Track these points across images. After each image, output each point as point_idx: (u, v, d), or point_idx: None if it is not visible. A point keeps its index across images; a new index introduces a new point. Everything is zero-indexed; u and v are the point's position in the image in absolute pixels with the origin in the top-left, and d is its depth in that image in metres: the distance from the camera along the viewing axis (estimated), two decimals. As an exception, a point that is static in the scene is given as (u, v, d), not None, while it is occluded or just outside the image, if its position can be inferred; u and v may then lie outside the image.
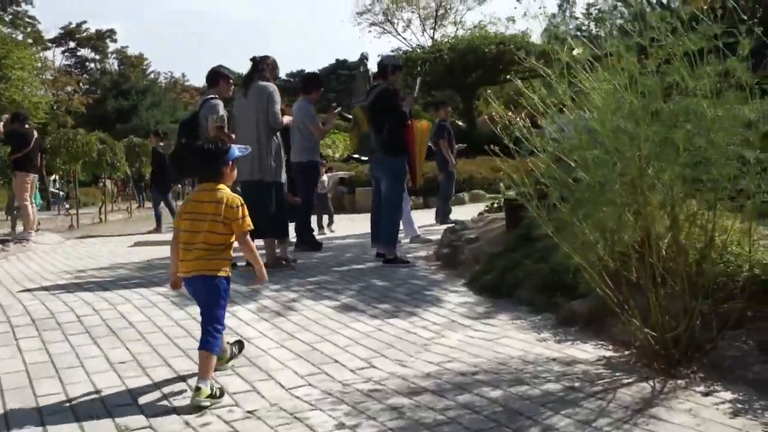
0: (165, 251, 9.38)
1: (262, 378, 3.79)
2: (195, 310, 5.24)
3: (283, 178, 7.05)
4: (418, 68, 26.61)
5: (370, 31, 53.99)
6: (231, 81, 7.26)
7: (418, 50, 29.89)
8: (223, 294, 3.59)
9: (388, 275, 6.56)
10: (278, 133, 6.97)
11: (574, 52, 4.04)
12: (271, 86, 6.97)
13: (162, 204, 14.46)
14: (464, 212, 12.38)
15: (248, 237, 3.66)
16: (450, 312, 5.23)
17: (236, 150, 3.74)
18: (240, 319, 4.99)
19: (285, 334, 4.61)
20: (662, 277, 3.78)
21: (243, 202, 3.64)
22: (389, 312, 5.22)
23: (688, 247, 3.76)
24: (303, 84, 8.88)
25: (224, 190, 3.64)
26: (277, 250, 7.01)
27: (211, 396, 3.37)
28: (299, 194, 8.32)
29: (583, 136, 4.08)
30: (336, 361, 4.08)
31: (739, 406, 3.17)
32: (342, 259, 7.70)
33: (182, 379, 3.77)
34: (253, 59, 7.13)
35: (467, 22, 45.78)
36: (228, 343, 4.01)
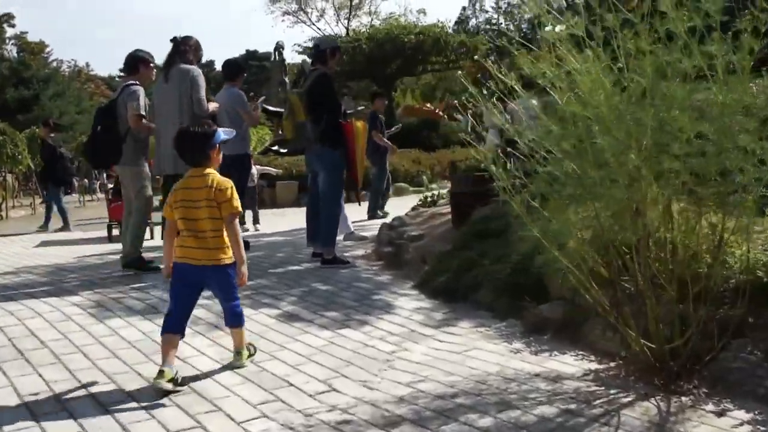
0: (76, 251, 8.66)
1: (208, 409, 3.19)
2: (117, 322, 4.62)
3: None
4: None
5: (283, 20, 53.00)
6: (152, 66, 6.58)
7: (336, 39, 29.20)
8: (232, 277, 3.64)
9: (329, 278, 6.03)
10: None
11: (557, 29, 3.60)
12: (195, 69, 6.35)
13: (58, 199, 13.51)
14: (391, 206, 11.95)
15: (236, 222, 3.61)
16: (406, 320, 4.74)
17: (222, 133, 3.69)
18: (171, 333, 4.38)
19: (226, 352, 4.01)
20: (659, 281, 3.40)
21: (233, 184, 3.63)
22: (339, 321, 4.69)
23: (687, 247, 3.38)
24: (228, 71, 8.32)
25: (213, 174, 3.61)
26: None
27: (250, 355, 3.86)
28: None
29: (557, 123, 3.67)
30: (291, 384, 3.52)
31: (762, 429, 2.80)
32: (275, 260, 7.11)
33: (109, 412, 3.14)
34: (174, 40, 6.48)
35: (382, 13, 45.34)
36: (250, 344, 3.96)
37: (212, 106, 6.64)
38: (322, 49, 6.83)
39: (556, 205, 3.52)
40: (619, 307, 3.52)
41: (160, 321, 3.56)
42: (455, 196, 6.67)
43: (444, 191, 10.84)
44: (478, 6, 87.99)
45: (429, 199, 9.91)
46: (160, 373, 3.33)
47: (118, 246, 8.93)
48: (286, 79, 25.73)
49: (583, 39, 3.37)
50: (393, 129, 12.08)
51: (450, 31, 25.65)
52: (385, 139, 11.28)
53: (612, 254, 3.48)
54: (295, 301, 5.20)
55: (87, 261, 7.66)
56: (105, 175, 31.49)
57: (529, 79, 3.77)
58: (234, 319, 3.74)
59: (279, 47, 25.58)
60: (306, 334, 4.42)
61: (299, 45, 35.56)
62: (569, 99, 3.50)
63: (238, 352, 3.80)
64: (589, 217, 3.49)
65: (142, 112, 6.39)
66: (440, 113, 24.20)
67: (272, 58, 26.61)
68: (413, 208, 9.71)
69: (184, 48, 6.36)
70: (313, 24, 45.93)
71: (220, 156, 3.75)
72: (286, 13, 46.46)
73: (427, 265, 6.01)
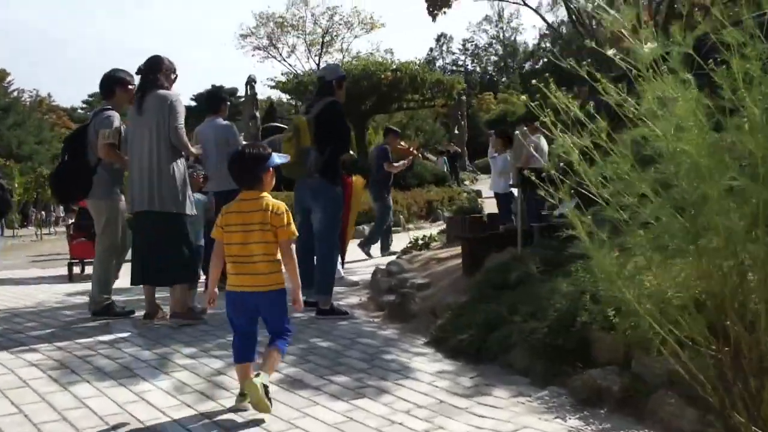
0: (32, 292, 7.74)
1: None
2: (85, 390, 3.82)
3: (190, 209, 5.67)
4: (311, 92, 25.44)
5: (253, 55, 52.50)
6: (131, 87, 5.85)
7: (310, 74, 28.59)
8: (285, 304, 3.63)
9: (328, 332, 5.29)
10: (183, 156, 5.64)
11: (646, 47, 2.98)
12: (173, 95, 5.59)
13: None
14: (372, 247, 11.23)
15: (292, 247, 3.60)
16: (431, 387, 4.02)
17: (276, 157, 3.65)
18: (151, 404, 3.60)
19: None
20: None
21: (287, 208, 3.58)
22: (352, 389, 3.95)
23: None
24: (210, 103, 7.74)
25: (267, 197, 3.57)
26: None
27: (266, 391, 3.43)
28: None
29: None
30: (312, 481, 2.78)
31: None
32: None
33: None
34: (143, 68, 5.67)
35: (353, 50, 44.96)
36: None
37: (196, 150, 5.93)
38: (327, 81, 6.17)
39: (652, 260, 2.86)
40: (728, 386, 2.85)
41: (138, 387, 2.87)
42: (468, 242, 6.00)
43: (434, 233, 10.19)
44: (444, 48, 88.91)
45: (421, 242, 9.24)
46: (241, 396, 3.51)
47: (81, 286, 8.13)
48: (257, 114, 25.06)
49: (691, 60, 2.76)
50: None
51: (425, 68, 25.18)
52: (396, 164, 10.58)
53: (722, 321, 2.82)
54: (296, 362, 4.45)
55: (46, 304, 6.79)
56: (62, 207, 30.35)
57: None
58: (280, 344, 3.62)
59: (251, 81, 24.95)
60: (315, 405, 3.67)
61: (272, 79, 34.82)
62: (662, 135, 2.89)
63: (258, 374, 3.49)
64: (691, 276, 2.84)
65: (113, 141, 5.64)
66: (414, 152, 23.68)
67: (245, 92, 25.93)
68: (404, 251, 9.03)
69: (155, 76, 5.59)
70: (284, 60, 45.47)
71: (274, 180, 3.70)
72: (256, 48, 45.89)
73: (439, 319, 5.30)
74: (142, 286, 5.66)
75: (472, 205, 10.04)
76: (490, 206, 10.68)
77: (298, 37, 45.08)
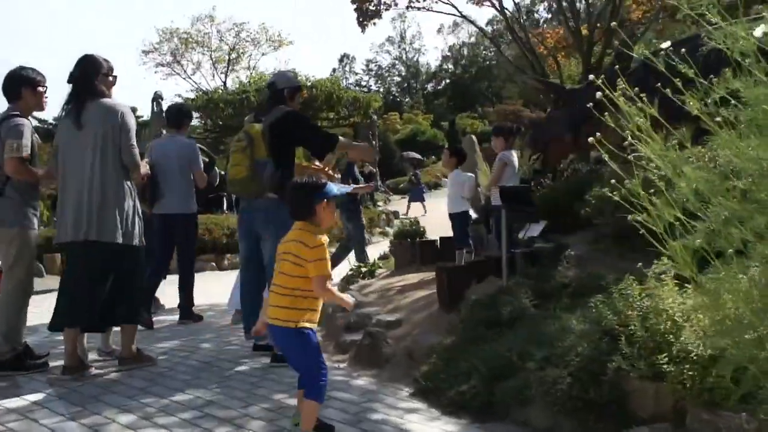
0: None
1: None
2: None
3: (138, 239, 4.77)
4: (222, 110, 24.35)
5: (156, 72, 50.79)
6: (41, 90, 4.88)
7: (221, 90, 27.46)
8: (306, 347, 3.28)
9: (292, 383, 4.43)
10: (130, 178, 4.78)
11: (759, 31, 2.34)
12: (122, 106, 4.75)
13: None
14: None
15: (328, 284, 3.27)
16: (442, 459, 3.25)
17: (335, 188, 3.41)
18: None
19: None
20: None
21: (324, 242, 3.31)
22: (349, 465, 3.14)
23: None
24: (175, 117, 7.14)
25: (310, 230, 3.33)
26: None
27: None
28: (181, 251, 7.16)
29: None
30: None
31: None
32: (204, 355, 5.40)
33: None
34: (75, 73, 4.75)
35: (260, 68, 43.79)
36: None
37: (144, 168, 5.03)
38: (278, 89, 5.33)
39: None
40: None
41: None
42: (446, 272, 5.24)
43: (378, 260, 9.41)
44: (347, 68, 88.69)
45: (364, 269, 8.43)
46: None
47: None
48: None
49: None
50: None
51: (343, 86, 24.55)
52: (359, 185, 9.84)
53: None
54: (265, 428, 3.59)
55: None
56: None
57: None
58: (312, 391, 3.27)
59: (158, 97, 23.51)
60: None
61: (179, 96, 33.24)
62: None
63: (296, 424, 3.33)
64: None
65: (25, 154, 4.68)
66: (330, 172, 22.91)
67: (151, 109, 24.53)
68: (347, 280, 8.22)
69: (90, 83, 4.68)
70: (189, 77, 43.91)
71: (333, 213, 3.46)
72: (159, 64, 44.15)
73: (420, 364, 4.54)
74: (62, 333, 4.68)
75: (414, 227, 9.26)
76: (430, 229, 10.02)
77: (203, 54, 43.69)
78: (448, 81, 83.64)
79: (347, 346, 5.35)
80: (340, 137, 5.53)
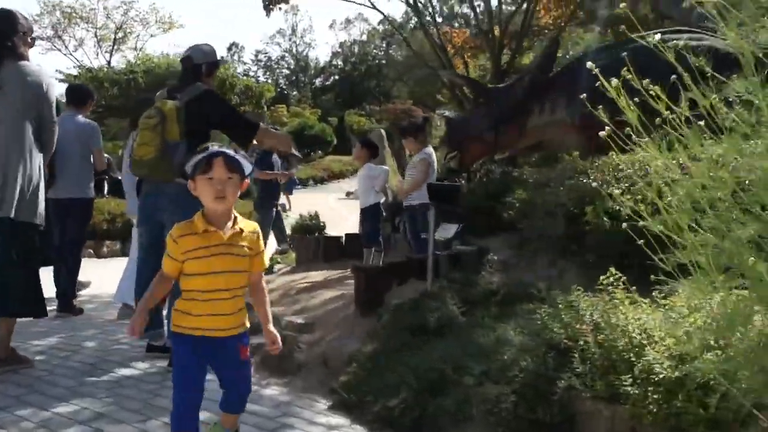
0: None
1: None
2: None
3: (40, 218, 4.17)
4: (107, 90, 22.95)
5: (34, 46, 47.95)
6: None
7: (106, 69, 25.91)
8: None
9: (209, 392, 3.92)
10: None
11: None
12: (45, 75, 4.30)
13: None
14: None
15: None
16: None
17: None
18: None
19: None
20: None
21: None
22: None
23: None
24: (76, 95, 6.60)
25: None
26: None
27: None
28: (70, 236, 6.44)
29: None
30: None
31: None
32: (87, 353, 4.76)
33: None
34: None
35: (148, 50, 41.81)
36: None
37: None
38: (195, 64, 4.76)
39: None
40: None
41: None
42: (364, 273, 4.82)
43: (276, 255, 8.90)
44: (236, 57, 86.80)
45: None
46: None
47: None
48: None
49: None
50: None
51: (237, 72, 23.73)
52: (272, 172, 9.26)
53: None
54: (167, 449, 3.08)
55: None
56: None
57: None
58: (242, 404, 2.97)
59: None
60: None
61: (60, 71, 31.06)
62: None
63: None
64: None
65: None
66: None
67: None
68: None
69: (9, 40, 4.10)
70: (71, 53, 41.43)
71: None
72: (39, 38, 41.45)
73: (337, 373, 4.12)
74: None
75: (314, 222, 8.82)
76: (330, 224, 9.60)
77: (87, 31, 41.32)
78: (336, 77, 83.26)
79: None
80: (261, 123, 5.03)
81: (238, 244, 2.74)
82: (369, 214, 6.88)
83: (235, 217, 2.79)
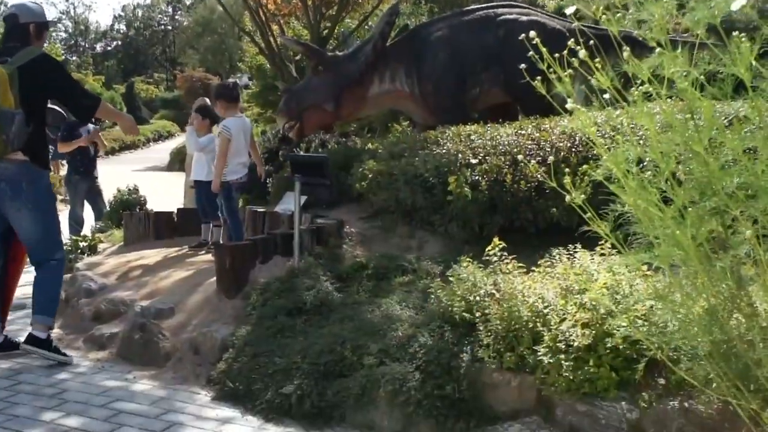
0: None
1: None
2: None
3: None
4: None
5: None
6: None
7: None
8: None
9: (59, 395, 3.50)
10: None
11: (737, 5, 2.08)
12: None
13: None
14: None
15: None
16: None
17: None
18: None
19: None
20: None
21: None
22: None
23: None
24: None
25: None
26: None
27: None
28: None
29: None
30: None
31: None
32: None
33: None
34: None
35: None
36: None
37: None
38: (21, 23, 4.18)
39: None
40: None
41: None
42: (228, 252, 4.52)
43: (95, 233, 8.17)
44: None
45: (83, 243, 7.25)
46: None
47: None
48: None
49: None
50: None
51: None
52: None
53: None
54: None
55: None
56: None
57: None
58: None
59: None
60: None
61: None
62: None
63: None
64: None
65: None
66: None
67: None
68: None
69: None
70: None
71: None
72: None
73: (216, 362, 3.86)
74: None
75: (134, 197, 8.25)
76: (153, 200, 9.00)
77: None
78: (119, 43, 78.86)
79: (105, 341, 4.43)
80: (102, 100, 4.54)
81: None
82: (205, 188, 6.50)
83: None
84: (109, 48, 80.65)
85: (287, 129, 6.81)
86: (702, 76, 2.15)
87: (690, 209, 2.17)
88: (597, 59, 2.23)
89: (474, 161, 4.95)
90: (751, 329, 2.26)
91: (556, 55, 2.25)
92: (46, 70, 4.07)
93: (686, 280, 2.33)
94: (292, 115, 6.69)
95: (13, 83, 3.91)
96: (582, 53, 2.16)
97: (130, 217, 7.08)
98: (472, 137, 5.38)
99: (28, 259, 4.36)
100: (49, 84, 4.09)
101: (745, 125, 2.21)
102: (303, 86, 6.97)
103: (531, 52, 2.23)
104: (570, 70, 2.29)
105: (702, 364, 2.31)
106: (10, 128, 3.87)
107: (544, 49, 2.25)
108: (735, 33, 2.09)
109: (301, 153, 5.78)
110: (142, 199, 8.48)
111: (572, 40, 2.24)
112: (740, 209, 2.14)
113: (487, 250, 3.67)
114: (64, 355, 4.11)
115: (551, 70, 2.26)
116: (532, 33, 2.24)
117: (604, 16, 2.20)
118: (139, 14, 79.98)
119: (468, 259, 3.65)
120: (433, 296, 3.64)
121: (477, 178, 4.77)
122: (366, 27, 13.18)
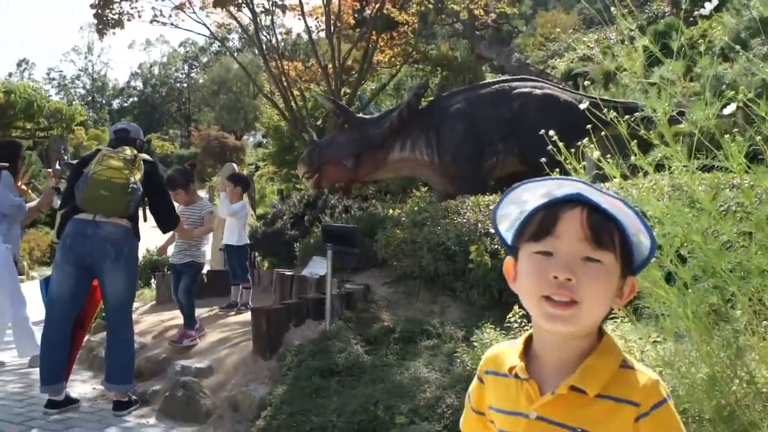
0: None
1: None
2: None
3: None
4: None
5: None
6: None
7: None
8: None
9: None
10: None
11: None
12: None
13: None
14: None
15: None
16: None
17: None
18: None
19: None
20: None
21: None
22: None
23: None
24: None
25: None
26: None
27: None
28: None
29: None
30: None
31: None
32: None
33: None
34: None
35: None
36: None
37: None
38: (132, 138, 4.95)
39: None
40: None
41: None
42: (265, 315, 4.84)
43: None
44: (26, 74, 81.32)
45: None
46: None
47: None
48: None
49: None
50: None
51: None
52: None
53: None
54: None
55: None
56: None
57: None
58: None
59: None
60: None
61: None
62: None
63: None
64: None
65: None
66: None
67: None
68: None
69: None
70: None
71: None
72: None
73: (255, 419, 4.14)
74: None
75: (162, 257, 8.62)
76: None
77: None
78: (135, 99, 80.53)
79: (148, 398, 4.73)
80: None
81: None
82: (237, 252, 6.87)
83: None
84: (125, 104, 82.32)
85: (306, 178, 7.18)
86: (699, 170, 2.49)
87: (690, 289, 2.48)
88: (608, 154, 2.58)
89: (493, 231, 5.28)
90: (748, 394, 2.55)
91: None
92: (156, 174, 4.82)
93: (691, 347, 2.63)
94: (313, 165, 7.04)
95: (141, 168, 4.46)
96: (596, 154, 2.50)
97: (162, 278, 7.43)
98: (491, 207, 5.72)
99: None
100: (154, 186, 4.74)
101: (738, 213, 2.54)
102: (328, 141, 7.34)
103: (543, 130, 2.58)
104: (584, 162, 2.64)
105: (705, 426, 2.59)
106: (134, 196, 4.37)
107: (560, 144, 2.59)
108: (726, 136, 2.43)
109: (333, 224, 6.13)
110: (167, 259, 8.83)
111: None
112: (737, 286, 2.45)
113: (508, 317, 3.96)
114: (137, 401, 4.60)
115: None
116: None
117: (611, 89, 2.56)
118: (156, 72, 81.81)
119: (490, 325, 3.95)
120: (458, 360, 3.93)
121: (496, 247, 5.09)
122: (386, 93, 13.76)
